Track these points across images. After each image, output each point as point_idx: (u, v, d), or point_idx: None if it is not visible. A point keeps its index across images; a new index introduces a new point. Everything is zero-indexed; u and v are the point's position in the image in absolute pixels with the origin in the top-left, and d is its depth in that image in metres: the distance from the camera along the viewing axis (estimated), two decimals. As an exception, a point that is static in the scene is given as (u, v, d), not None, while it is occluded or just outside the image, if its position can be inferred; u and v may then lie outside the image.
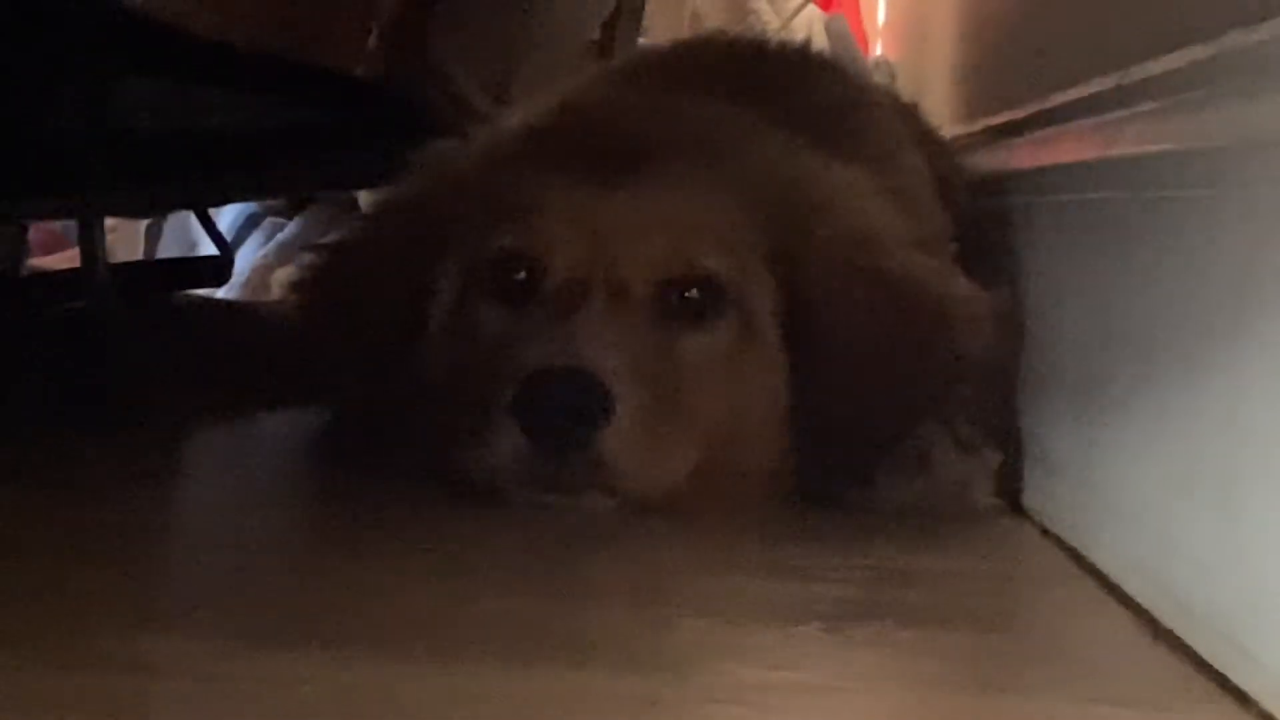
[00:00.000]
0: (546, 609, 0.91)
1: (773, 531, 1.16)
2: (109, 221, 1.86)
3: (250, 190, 2.38)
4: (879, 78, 2.42)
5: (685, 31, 2.57)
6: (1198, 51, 0.93)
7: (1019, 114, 1.44)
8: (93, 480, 1.22)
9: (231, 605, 0.88)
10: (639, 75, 1.43)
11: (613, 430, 1.09)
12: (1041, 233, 1.29)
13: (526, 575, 1.00)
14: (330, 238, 1.41)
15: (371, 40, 1.55)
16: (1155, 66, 1.02)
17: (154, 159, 1.67)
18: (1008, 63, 1.68)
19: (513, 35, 1.81)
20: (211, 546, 1.09)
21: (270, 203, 2.76)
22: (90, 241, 1.54)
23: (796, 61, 1.48)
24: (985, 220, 1.41)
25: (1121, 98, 1.08)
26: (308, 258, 1.38)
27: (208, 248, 2.22)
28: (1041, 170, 1.32)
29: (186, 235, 2.71)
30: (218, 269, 2.10)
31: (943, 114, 1.89)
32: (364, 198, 2.45)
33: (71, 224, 2.33)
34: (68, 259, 2.48)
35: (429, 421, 1.19)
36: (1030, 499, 1.21)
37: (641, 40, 2.24)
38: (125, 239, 2.71)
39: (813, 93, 1.40)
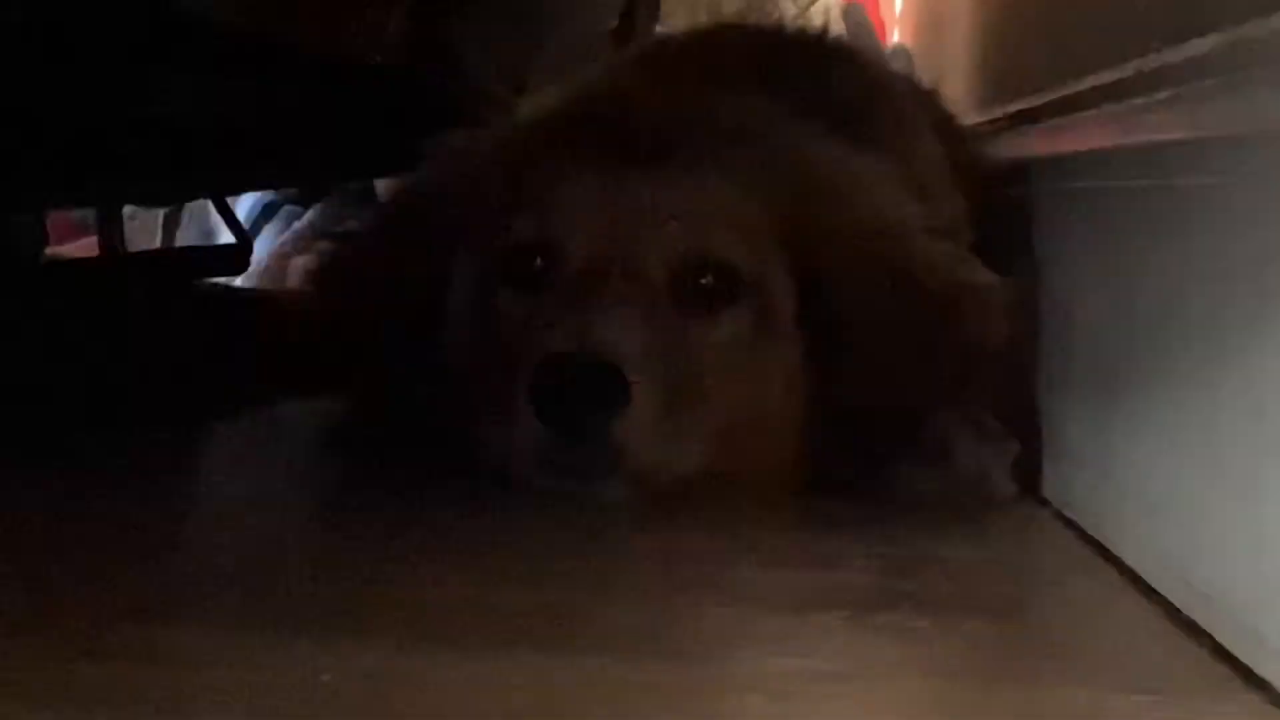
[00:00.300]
0: (567, 598, 0.91)
1: (791, 520, 1.16)
2: (127, 210, 1.86)
3: (268, 179, 2.39)
4: (896, 65, 2.41)
5: (703, 20, 2.56)
6: (1217, 39, 0.93)
7: (1037, 101, 1.44)
8: (111, 469, 1.22)
9: (252, 594, 0.88)
10: (657, 64, 1.42)
11: (629, 417, 1.09)
12: (1060, 220, 1.29)
13: (547, 564, 1.00)
14: (348, 226, 1.41)
15: (390, 29, 1.55)
16: (1174, 54, 1.01)
17: (172, 148, 1.67)
18: (1025, 49, 1.68)
19: (531, 24, 1.81)
20: (231, 535, 1.09)
21: (288, 191, 2.76)
22: (109, 230, 1.54)
23: (814, 49, 1.48)
24: (1003, 208, 1.40)
25: (1140, 85, 1.08)
26: (325, 246, 1.38)
27: (226, 236, 2.22)
28: (1060, 158, 1.31)
29: (204, 223, 2.71)
30: (236, 257, 2.10)
31: (960, 101, 1.88)
32: (382, 186, 2.45)
33: (90, 212, 2.33)
34: (85, 247, 2.49)
35: (447, 410, 1.20)
36: (1049, 488, 1.21)
37: (659, 28, 2.24)
38: (143, 227, 2.72)
39: (831, 80, 1.39)
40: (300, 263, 2.38)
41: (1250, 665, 0.78)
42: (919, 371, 1.19)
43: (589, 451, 1.10)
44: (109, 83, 1.46)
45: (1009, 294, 1.22)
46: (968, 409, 1.19)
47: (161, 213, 2.78)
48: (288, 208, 2.76)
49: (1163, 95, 1.03)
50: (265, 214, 2.77)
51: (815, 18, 2.60)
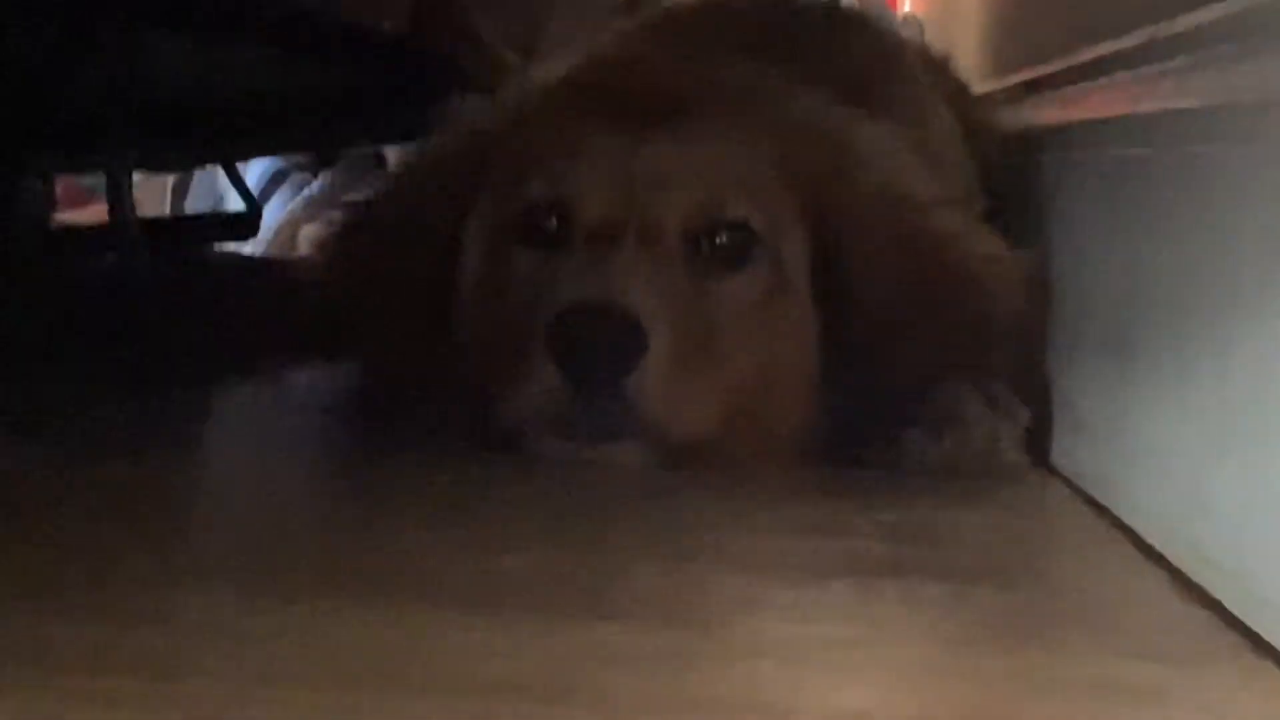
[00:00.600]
0: (576, 564, 0.91)
1: (801, 487, 1.16)
2: (136, 176, 1.86)
3: (278, 146, 2.39)
4: (908, 34, 2.40)
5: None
6: (1231, 5, 0.92)
7: (1049, 69, 1.43)
8: (120, 436, 1.22)
9: (261, 560, 0.88)
10: (668, 30, 1.42)
11: (646, 370, 1.09)
12: (1072, 189, 1.29)
13: (557, 530, 1.00)
14: (358, 194, 1.41)
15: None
16: (1188, 21, 1.01)
17: (182, 114, 1.67)
18: (1037, 17, 1.67)
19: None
20: (240, 502, 1.10)
21: (297, 158, 2.76)
22: (118, 196, 1.54)
23: (825, 16, 1.48)
24: (1015, 176, 1.40)
25: (1153, 52, 1.07)
26: (336, 214, 1.38)
27: (235, 203, 2.22)
28: (1072, 126, 1.31)
29: (213, 190, 2.71)
30: (245, 224, 2.10)
31: (972, 70, 1.88)
32: (391, 154, 2.45)
33: (99, 179, 2.33)
34: (94, 214, 2.49)
35: (459, 376, 1.20)
36: (1059, 457, 1.20)
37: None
38: (152, 194, 2.72)
39: (842, 48, 1.39)
40: (309, 230, 2.38)
41: (1260, 632, 0.78)
42: (930, 339, 1.19)
43: (605, 406, 1.10)
44: (117, 48, 1.46)
45: (1020, 263, 1.22)
46: (979, 377, 1.19)
47: (170, 179, 2.79)
48: (297, 175, 2.76)
49: (1176, 63, 1.03)
50: (275, 181, 2.77)
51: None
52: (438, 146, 1.32)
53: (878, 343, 1.17)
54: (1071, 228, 1.26)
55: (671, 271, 1.15)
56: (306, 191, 2.72)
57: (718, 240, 1.18)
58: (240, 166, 2.31)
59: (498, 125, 1.26)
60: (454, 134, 1.30)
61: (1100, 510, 1.08)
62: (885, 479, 1.15)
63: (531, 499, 1.08)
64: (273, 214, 2.62)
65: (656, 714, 0.66)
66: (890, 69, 1.41)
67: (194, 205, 2.76)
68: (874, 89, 1.33)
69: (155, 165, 2.49)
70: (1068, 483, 1.16)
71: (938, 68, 1.59)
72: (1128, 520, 1.02)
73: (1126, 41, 1.14)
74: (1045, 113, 1.41)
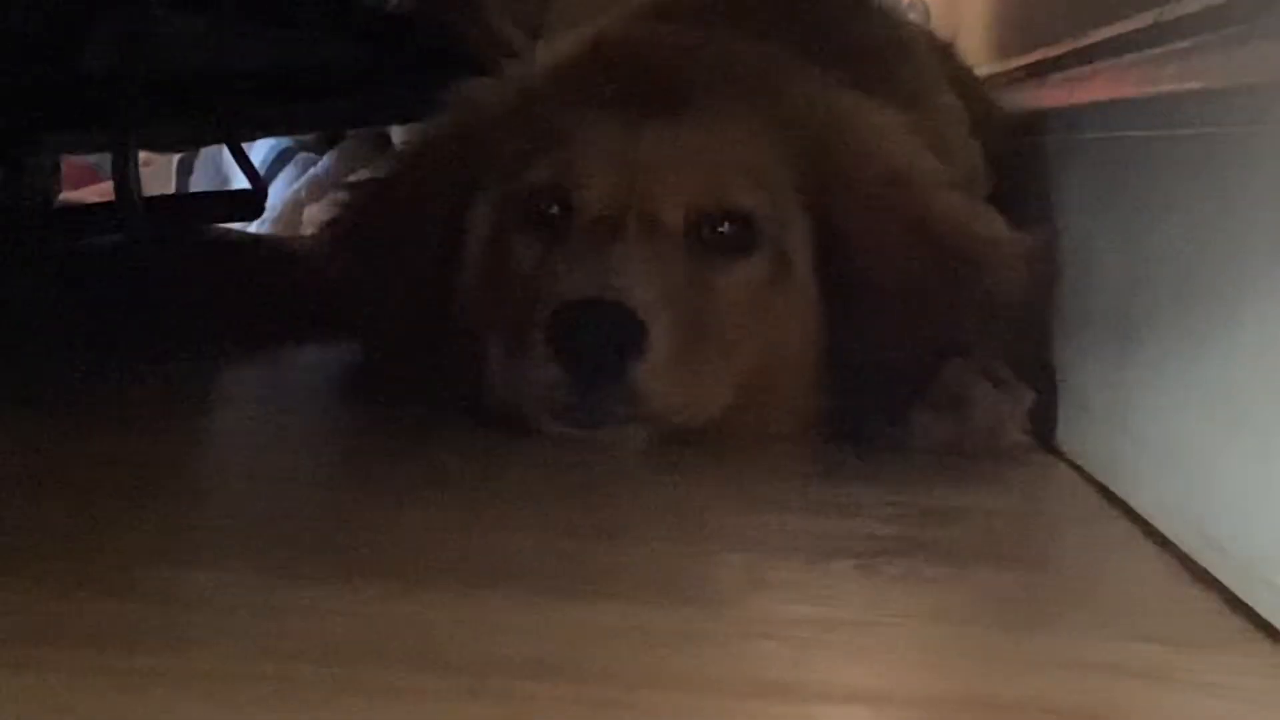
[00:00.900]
0: (580, 543, 0.91)
1: (806, 469, 1.16)
2: (141, 155, 1.86)
3: (283, 125, 2.39)
4: (913, 17, 2.40)
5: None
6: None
7: (1054, 52, 1.43)
8: (125, 413, 1.22)
9: (262, 538, 0.89)
10: (674, 12, 1.42)
11: (647, 361, 1.09)
12: (1077, 171, 1.28)
13: (560, 510, 1.00)
14: (363, 174, 1.41)
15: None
16: (1193, 3, 1.01)
17: (187, 93, 1.67)
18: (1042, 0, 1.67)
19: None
20: (242, 480, 1.10)
21: (303, 138, 2.76)
22: (124, 175, 1.54)
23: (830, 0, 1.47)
24: (1020, 159, 1.40)
25: (1159, 34, 1.07)
26: (341, 194, 1.38)
27: (239, 182, 2.22)
28: (1077, 108, 1.31)
29: (218, 170, 2.71)
30: (251, 204, 2.10)
31: (977, 53, 1.88)
32: (396, 133, 2.45)
33: (104, 158, 2.33)
34: (99, 193, 2.49)
35: (462, 356, 1.20)
36: (1064, 438, 1.20)
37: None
38: (157, 173, 2.72)
39: (847, 31, 1.39)
40: (315, 210, 2.39)
41: (1264, 616, 0.78)
42: (935, 322, 1.19)
43: (606, 396, 1.10)
44: (122, 26, 1.46)
45: (1026, 246, 1.22)
46: (984, 359, 1.19)
47: (176, 158, 2.78)
48: (302, 155, 2.76)
49: (1181, 45, 1.03)
50: (280, 160, 2.77)
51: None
52: (442, 127, 1.31)
53: (883, 324, 1.17)
54: (1077, 210, 1.26)
55: (673, 261, 1.15)
56: (312, 171, 2.72)
57: (720, 229, 1.18)
58: (246, 146, 2.31)
59: (502, 107, 1.26)
60: (459, 115, 1.30)
61: (1105, 492, 1.08)
62: (891, 460, 1.15)
63: (538, 479, 1.08)
64: (278, 194, 2.62)
65: (663, 691, 0.66)
66: (896, 51, 1.41)
67: (198, 185, 2.76)
68: (879, 71, 1.33)
69: (162, 144, 2.49)
70: (1072, 464, 1.17)
71: (942, 51, 1.58)
72: (1131, 502, 1.02)
73: (1133, 23, 1.14)
74: (1051, 95, 1.41)
